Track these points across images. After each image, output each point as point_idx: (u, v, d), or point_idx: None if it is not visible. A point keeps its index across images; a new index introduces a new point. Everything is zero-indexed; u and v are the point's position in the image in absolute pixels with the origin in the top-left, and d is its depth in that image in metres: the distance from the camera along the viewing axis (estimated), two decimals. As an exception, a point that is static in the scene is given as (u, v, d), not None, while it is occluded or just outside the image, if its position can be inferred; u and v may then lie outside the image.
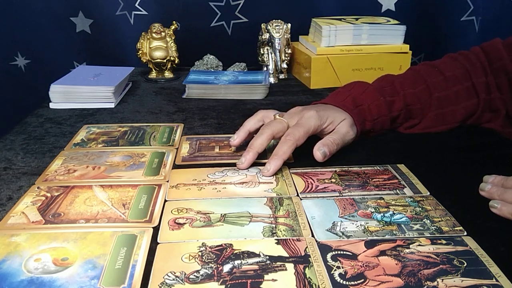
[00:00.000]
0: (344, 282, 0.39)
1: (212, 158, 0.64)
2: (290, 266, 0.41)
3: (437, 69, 0.72)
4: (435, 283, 0.39)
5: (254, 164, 0.61)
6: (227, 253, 0.43)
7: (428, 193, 0.54)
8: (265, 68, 1.06)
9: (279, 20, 1.03)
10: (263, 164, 0.60)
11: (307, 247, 0.44)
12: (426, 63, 0.75)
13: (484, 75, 0.70)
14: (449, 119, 0.70)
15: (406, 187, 0.56)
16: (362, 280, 0.40)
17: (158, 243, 0.45)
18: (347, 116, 0.64)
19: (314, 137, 0.61)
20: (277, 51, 1.04)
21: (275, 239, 0.45)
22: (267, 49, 1.04)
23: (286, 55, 1.05)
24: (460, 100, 0.70)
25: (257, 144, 0.60)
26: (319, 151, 0.59)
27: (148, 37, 1.04)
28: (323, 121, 0.62)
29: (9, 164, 0.62)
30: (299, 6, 1.17)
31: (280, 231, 0.46)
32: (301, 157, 0.64)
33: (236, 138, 0.64)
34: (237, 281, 0.39)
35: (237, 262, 0.42)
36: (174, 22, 1.06)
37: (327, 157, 0.60)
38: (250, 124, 0.65)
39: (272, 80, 1.03)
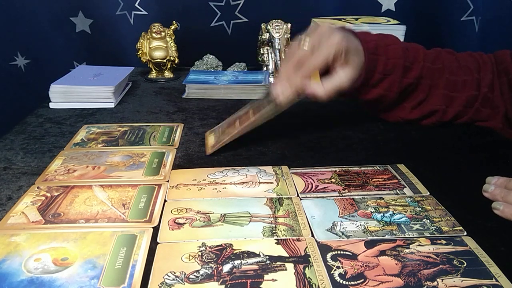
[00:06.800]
0: (344, 282, 0.39)
1: (237, 133, 0.64)
2: (290, 266, 0.41)
3: (455, 56, 0.75)
4: (435, 283, 0.39)
5: (254, 164, 0.61)
6: (227, 253, 0.43)
7: (428, 193, 0.54)
8: (265, 68, 1.06)
9: (279, 20, 1.03)
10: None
11: (307, 247, 0.44)
12: (446, 50, 0.77)
13: (492, 73, 0.72)
14: (452, 102, 0.72)
15: (406, 187, 0.56)
16: (362, 280, 0.40)
17: (158, 243, 0.45)
18: (360, 58, 0.64)
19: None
20: (277, 51, 1.03)
21: (275, 239, 0.45)
22: (267, 49, 1.04)
23: (286, 55, 1.05)
24: (465, 89, 0.72)
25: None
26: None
27: (148, 37, 1.04)
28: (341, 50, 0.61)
29: (9, 164, 0.62)
30: (299, 6, 1.17)
31: (280, 231, 0.46)
32: (301, 157, 0.64)
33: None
34: (237, 281, 0.39)
35: (237, 262, 0.42)
36: (174, 22, 1.06)
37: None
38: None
39: (272, 80, 1.03)
